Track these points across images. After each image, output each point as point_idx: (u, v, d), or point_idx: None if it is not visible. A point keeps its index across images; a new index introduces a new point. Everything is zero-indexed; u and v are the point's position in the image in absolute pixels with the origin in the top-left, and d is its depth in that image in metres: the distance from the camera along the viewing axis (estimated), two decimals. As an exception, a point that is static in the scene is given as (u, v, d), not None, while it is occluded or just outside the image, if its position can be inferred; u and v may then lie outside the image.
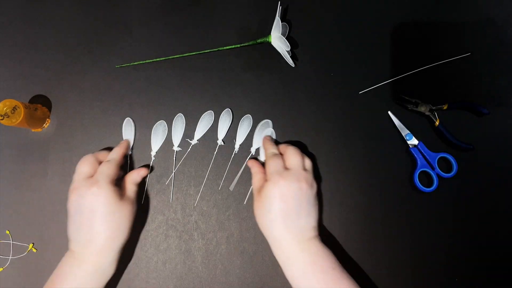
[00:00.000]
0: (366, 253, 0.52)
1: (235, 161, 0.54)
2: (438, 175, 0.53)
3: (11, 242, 0.52)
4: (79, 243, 0.44)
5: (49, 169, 0.54)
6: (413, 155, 0.54)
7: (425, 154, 0.54)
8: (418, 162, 0.54)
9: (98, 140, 0.55)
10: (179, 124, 0.55)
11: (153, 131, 0.54)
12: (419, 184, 0.53)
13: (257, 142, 0.54)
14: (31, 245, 0.52)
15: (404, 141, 0.55)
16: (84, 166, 0.46)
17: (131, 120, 0.55)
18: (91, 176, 0.45)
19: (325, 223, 0.53)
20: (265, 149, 0.51)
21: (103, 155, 0.50)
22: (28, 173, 0.54)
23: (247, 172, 0.53)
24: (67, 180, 0.53)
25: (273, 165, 0.47)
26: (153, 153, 0.54)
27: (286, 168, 0.46)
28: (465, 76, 0.58)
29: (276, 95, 0.57)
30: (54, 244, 0.52)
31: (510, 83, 0.58)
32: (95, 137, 0.55)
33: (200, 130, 0.55)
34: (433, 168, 0.54)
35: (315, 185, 0.47)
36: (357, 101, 0.57)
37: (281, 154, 0.49)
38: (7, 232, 0.52)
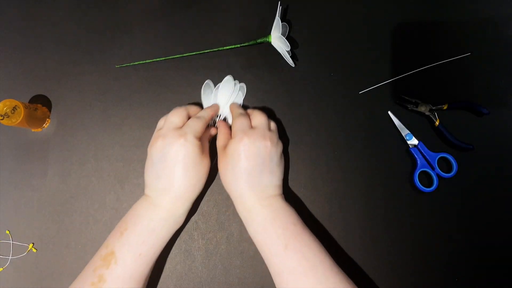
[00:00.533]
0: (366, 253, 0.52)
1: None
2: (438, 175, 0.53)
3: (11, 242, 0.52)
4: (157, 189, 0.45)
5: (49, 169, 0.54)
6: (413, 155, 0.54)
7: (425, 154, 0.54)
8: (418, 162, 0.54)
9: (98, 140, 0.55)
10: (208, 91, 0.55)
11: (202, 92, 0.54)
12: (419, 184, 0.53)
13: (221, 100, 0.55)
14: (31, 245, 0.52)
15: (404, 141, 0.55)
16: (175, 116, 0.47)
17: (210, 82, 0.54)
18: (180, 127, 0.46)
19: (325, 223, 0.53)
20: (232, 111, 0.52)
21: (194, 110, 0.50)
22: (28, 173, 0.54)
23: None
24: (67, 180, 0.54)
25: (239, 123, 0.47)
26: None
27: (251, 127, 0.47)
28: (465, 76, 0.58)
29: (276, 95, 0.57)
30: (54, 244, 0.52)
31: (510, 83, 0.58)
32: (95, 137, 0.55)
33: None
34: (433, 168, 0.54)
35: (280, 145, 0.47)
36: (357, 101, 0.57)
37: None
38: (7, 232, 0.52)
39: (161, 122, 0.48)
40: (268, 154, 0.45)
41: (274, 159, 0.46)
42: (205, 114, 0.49)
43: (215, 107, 0.53)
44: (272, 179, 0.46)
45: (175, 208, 0.45)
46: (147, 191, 0.46)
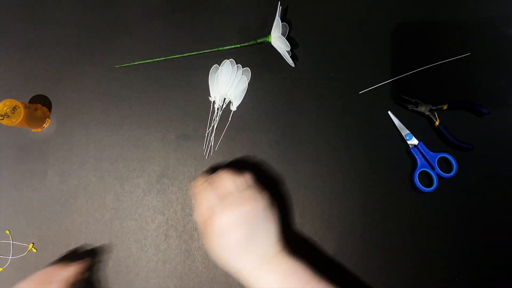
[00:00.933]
0: (366, 252, 0.52)
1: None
2: (438, 175, 0.53)
3: (11, 242, 0.52)
4: None
5: (49, 169, 0.54)
6: (413, 155, 0.54)
7: (425, 154, 0.54)
8: (418, 162, 0.54)
9: (98, 140, 0.55)
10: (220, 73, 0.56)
11: (210, 77, 0.56)
12: (419, 184, 0.53)
13: (216, 90, 0.56)
14: (31, 245, 0.52)
15: (404, 141, 0.55)
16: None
17: (217, 66, 0.56)
18: None
19: (325, 223, 0.53)
20: (192, 190, 0.47)
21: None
22: (28, 173, 0.54)
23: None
24: (67, 180, 0.54)
25: (205, 201, 0.43)
26: (212, 98, 0.56)
27: (221, 198, 0.42)
28: (465, 76, 0.58)
29: (276, 95, 0.57)
30: (54, 244, 0.52)
31: (510, 83, 0.58)
32: (95, 137, 0.55)
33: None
34: (433, 168, 0.54)
35: (262, 196, 0.43)
36: (357, 101, 0.57)
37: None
38: (7, 232, 0.52)
39: None
40: (253, 216, 0.41)
41: (262, 215, 0.42)
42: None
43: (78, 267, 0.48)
44: (268, 237, 0.42)
45: None
46: None
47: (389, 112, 0.56)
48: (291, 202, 0.53)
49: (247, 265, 0.41)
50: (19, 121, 0.49)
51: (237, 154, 0.55)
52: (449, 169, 0.54)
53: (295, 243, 0.52)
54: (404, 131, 0.55)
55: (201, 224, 0.44)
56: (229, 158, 0.55)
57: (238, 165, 0.54)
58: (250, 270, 0.41)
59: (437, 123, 0.55)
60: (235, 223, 0.41)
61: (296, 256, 0.42)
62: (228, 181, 0.44)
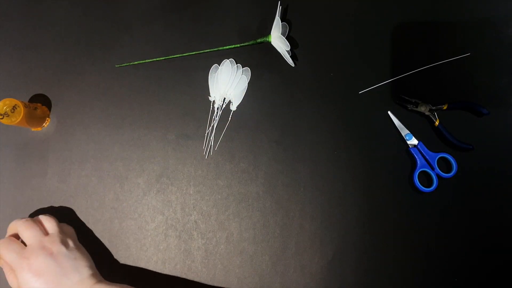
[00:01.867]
0: (366, 252, 0.52)
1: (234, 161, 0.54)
2: (437, 175, 0.53)
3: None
4: None
5: (48, 168, 0.54)
6: (412, 155, 0.54)
7: (424, 154, 0.54)
8: (418, 162, 0.54)
9: (98, 139, 0.55)
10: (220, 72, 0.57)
11: (209, 76, 0.57)
12: (419, 184, 0.53)
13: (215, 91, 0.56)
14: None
15: (404, 141, 0.55)
16: None
17: (217, 66, 0.57)
18: None
19: (325, 223, 0.53)
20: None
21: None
22: (27, 173, 0.54)
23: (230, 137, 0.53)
24: (67, 179, 0.54)
25: (8, 255, 0.42)
26: (211, 98, 0.56)
27: (23, 248, 0.43)
28: (465, 76, 0.58)
29: (276, 95, 0.57)
30: (54, 243, 0.52)
31: (510, 83, 0.58)
32: (95, 136, 0.55)
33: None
34: (432, 168, 0.54)
35: (67, 241, 0.44)
36: (357, 101, 0.57)
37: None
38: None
39: None
40: (59, 258, 0.42)
41: (70, 256, 0.43)
42: None
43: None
44: (81, 274, 0.43)
45: None
46: None
47: (389, 112, 0.56)
48: (291, 202, 0.53)
49: None
50: (18, 120, 0.49)
51: (237, 154, 0.55)
52: (449, 169, 0.54)
53: (295, 243, 0.52)
54: (404, 131, 0.55)
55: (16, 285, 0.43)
56: (229, 158, 0.55)
57: (237, 165, 0.54)
58: None
59: (437, 123, 0.55)
60: (40, 268, 0.41)
61: (116, 284, 0.44)
62: (29, 230, 0.44)
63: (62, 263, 0.42)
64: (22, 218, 0.46)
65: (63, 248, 0.43)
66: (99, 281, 0.43)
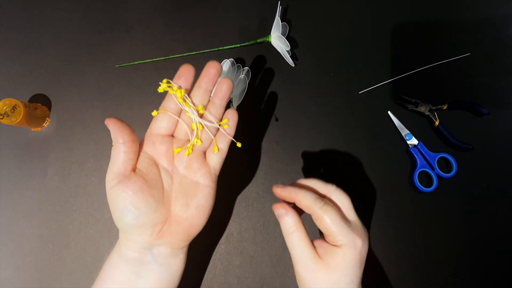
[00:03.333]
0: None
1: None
2: (437, 175, 0.53)
3: (10, 241, 0.52)
4: None
5: (49, 168, 0.54)
6: (412, 155, 0.54)
7: (424, 154, 0.54)
8: (418, 162, 0.54)
9: (98, 139, 0.55)
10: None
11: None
12: (419, 184, 0.53)
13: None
14: (30, 244, 0.52)
15: (404, 141, 0.55)
16: None
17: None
18: None
19: (325, 223, 0.53)
20: (300, 196, 0.36)
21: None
22: (27, 173, 0.54)
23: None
24: (67, 179, 0.54)
25: (335, 217, 0.34)
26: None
27: (347, 221, 0.35)
28: (465, 76, 0.58)
29: (276, 95, 0.57)
30: (54, 243, 0.52)
31: (510, 83, 0.58)
32: (95, 136, 0.55)
33: None
34: (432, 168, 0.54)
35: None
36: (357, 101, 0.57)
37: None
38: (7, 231, 0.52)
39: None
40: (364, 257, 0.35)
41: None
42: None
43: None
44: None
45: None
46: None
47: (389, 112, 0.56)
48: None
49: None
50: (18, 120, 0.49)
51: (237, 154, 0.55)
52: (449, 169, 0.54)
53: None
54: (404, 131, 0.55)
55: (308, 254, 0.35)
56: (229, 158, 0.55)
57: (237, 165, 0.54)
58: None
59: (437, 123, 0.55)
60: (363, 259, 0.36)
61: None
62: (351, 204, 0.38)
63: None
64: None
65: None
66: None
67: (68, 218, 0.52)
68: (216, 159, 0.40)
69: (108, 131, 0.55)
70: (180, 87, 0.39)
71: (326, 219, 0.34)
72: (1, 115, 0.49)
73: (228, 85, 0.40)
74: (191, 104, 0.39)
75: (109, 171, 0.37)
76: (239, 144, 0.41)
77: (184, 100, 0.38)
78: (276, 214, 0.36)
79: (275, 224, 0.53)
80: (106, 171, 0.54)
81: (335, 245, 0.34)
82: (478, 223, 0.53)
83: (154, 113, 0.39)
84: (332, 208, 0.35)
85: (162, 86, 0.39)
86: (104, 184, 0.53)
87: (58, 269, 0.51)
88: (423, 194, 0.53)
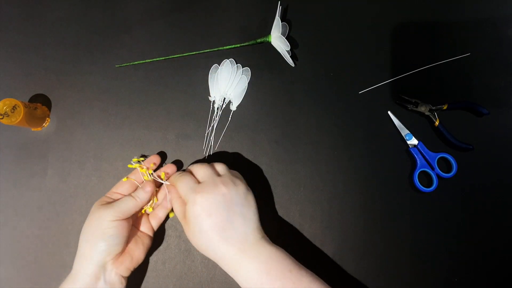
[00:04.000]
0: (366, 252, 0.52)
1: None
2: (437, 175, 0.53)
3: (10, 241, 0.52)
4: None
5: (49, 168, 0.54)
6: (412, 155, 0.54)
7: (424, 154, 0.54)
8: (418, 162, 0.54)
9: (98, 139, 0.55)
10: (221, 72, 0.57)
11: (209, 76, 0.57)
12: (419, 184, 0.53)
13: (216, 90, 0.56)
14: (30, 244, 0.52)
15: (404, 141, 0.55)
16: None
17: (217, 66, 0.57)
18: None
19: (325, 223, 0.53)
20: (171, 179, 0.48)
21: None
22: (28, 173, 0.54)
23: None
24: (67, 179, 0.54)
25: (183, 185, 0.43)
26: (211, 98, 0.56)
27: (199, 183, 0.44)
28: (465, 76, 0.58)
29: (276, 95, 0.57)
30: (54, 244, 0.52)
31: (510, 83, 0.58)
32: (95, 136, 0.55)
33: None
34: (432, 168, 0.54)
35: (239, 182, 0.44)
36: (357, 101, 0.57)
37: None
38: (7, 231, 0.52)
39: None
40: (229, 200, 0.41)
41: (239, 201, 0.42)
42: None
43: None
44: (247, 223, 0.42)
45: None
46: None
47: (389, 112, 0.56)
48: (291, 202, 0.53)
49: (227, 251, 0.40)
50: (18, 120, 0.49)
51: (237, 154, 0.55)
52: (449, 169, 0.54)
53: (295, 243, 0.52)
54: (404, 131, 0.55)
55: (180, 215, 0.45)
56: (228, 158, 0.55)
57: (237, 165, 0.54)
58: (230, 256, 0.40)
59: (437, 123, 0.55)
60: (210, 208, 0.41)
61: (276, 244, 0.42)
62: (203, 169, 0.45)
63: (231, 207, 0.41)
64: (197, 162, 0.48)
65: (233, 191, 0.42)
66: (263, 236, 0.42)
67: (68, 218, 0.52)
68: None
69: (108, 131, 0.56)
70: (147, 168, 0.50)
71: (177, 187, 0.45)
72: (1, 115, 0.49)
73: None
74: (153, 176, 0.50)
75: (115, 210, 0.44)
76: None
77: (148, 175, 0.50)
78: (167, 191, 0.48)
79: (275, 224, 0.53)
80: (106, 171, 0.54)
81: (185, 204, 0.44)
82: (478, 223, 0.53)
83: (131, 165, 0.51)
84: (181, 178, 0.45)
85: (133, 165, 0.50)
86: (104, 184, 0.54)
87: (58, 269, 0.51)
88: (423, 194, 0.53)
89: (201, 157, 0.55)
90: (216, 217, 0.40)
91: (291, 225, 0.53)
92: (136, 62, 0.57)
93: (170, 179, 0.48)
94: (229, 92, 0.56)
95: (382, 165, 0.55)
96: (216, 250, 0.41)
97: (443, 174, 0.53)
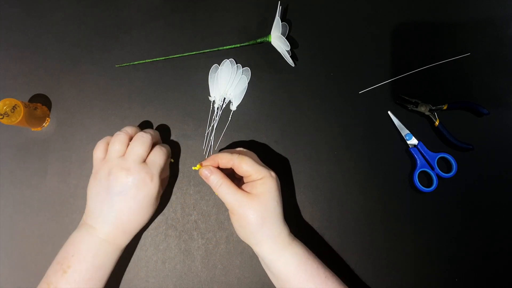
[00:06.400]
0: (366, 252, 0.52)
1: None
2: (437, 175, 0.53)
3: (10, 241, 0.52)
4: (106, 220, 0.44)
5: (48, 168, 0.54)
6: (412, 155, 0.54)
7: (424, 154, 0.54)
8: (418, 162, 0.54)
9: (98, 139, 0.55)
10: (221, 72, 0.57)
11: (209, 76, 0.57)
12: (419, 184, 0.53)
13: (216, 90, 0.56)
14: (30, 244, 0.52)
15: (404, 141, 0.55)
16: (120, 145, 0.45)
17: (217, 66, 0.57)
18: (123, 155, 0.45)
19: (325, 223, 0.53)
20: (220, 157, 0.45)
21: (132, 130, 0.47)
22: (27, 172, 0.54)
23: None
24: (67, 179, 0.54)
25: (252, 163, 0.43)
26: (212, 98, 0.56)
27: (260, 162, 0.45)
28: (465, 76, 0.58)
29: (276, 95, 0.57)
30: (54, 243, 0.52)
31: (510, 83, 0.58)
32: (95, 136, 0.55)
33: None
34: (432, 168, 0.54)
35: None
36: (357, 101, 0.57)
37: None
38: (7, 231, 0.52)
39: (100, 151, 0.46)
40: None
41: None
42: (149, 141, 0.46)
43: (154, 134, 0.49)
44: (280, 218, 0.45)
45: (120, 241, 0.45)
46: (90, 220, 0.44)
47: (389, 112, 0.56)
48: (291, 202, 0.53)
49: (283, 231, 0.44)
50: (18, 120, 0.49)
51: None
52: (448, 169, 0.54)
53: (295, 243, 0.52)
54: (404, 131, 0.55)
55: (231, 189, 0.43)
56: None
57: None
58: (286, 235, 0.44)
59: (437, 123, 0.55)
60: (278, 187, 0.45)
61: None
62: (254, 155, 0.47)
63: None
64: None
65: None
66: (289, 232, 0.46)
67: (68, 218, 0.52)
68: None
69: (108, 131, 0.55)
70: None
71: (243, 164, 0.43)
72: (1, 115, 0.49)
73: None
74: None
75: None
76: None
77: None
78: (203, 178, 0.44)
79: (275, 224, 0.53)
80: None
81: (257, 180, 0.43)
82: (478, 223, 0.53)
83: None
84: (245, 155, 0.44)
85: None
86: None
87: (58, 269, 0.51)
88: (423, 194, 0.53)
89: (201, 157, 0.55)
90: (280, 198, 0.44)
91: (291, 225, 0.53)
92: (136, 62, 0.57)
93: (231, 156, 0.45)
94: (229, 92, 0.56)
95: (382, 165, 0.55)
96: (276, 226, 0.43)
97: (443, 174, 0.53)
